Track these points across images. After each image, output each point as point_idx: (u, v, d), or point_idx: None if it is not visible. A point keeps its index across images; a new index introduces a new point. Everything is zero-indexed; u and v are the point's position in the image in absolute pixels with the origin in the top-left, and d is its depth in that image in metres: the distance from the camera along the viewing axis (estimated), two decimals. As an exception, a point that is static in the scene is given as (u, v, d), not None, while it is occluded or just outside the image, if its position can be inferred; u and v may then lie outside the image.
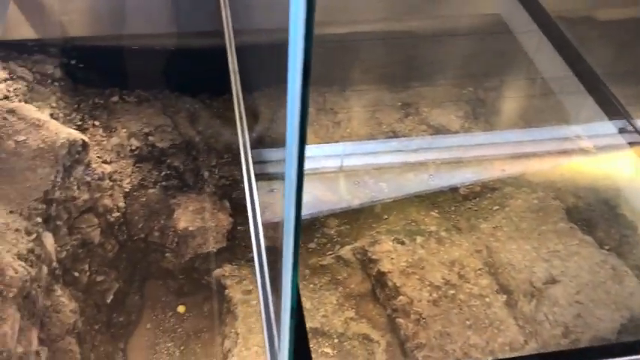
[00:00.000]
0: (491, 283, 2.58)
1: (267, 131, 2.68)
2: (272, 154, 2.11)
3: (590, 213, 2.90)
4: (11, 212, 2.18)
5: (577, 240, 2.69)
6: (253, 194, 1.46)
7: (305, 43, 0.61)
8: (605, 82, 2.25)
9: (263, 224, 1.39)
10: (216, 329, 2.69)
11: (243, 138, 1.58)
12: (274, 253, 1.35)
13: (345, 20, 2.91)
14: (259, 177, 1.53)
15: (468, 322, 2.43)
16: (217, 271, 2.77)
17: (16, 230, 2.14)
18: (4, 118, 2.34)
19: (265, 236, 1.36)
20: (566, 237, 2.71)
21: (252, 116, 1.67)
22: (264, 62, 1.89)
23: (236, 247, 2.89)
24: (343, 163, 3.17)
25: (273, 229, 1.44)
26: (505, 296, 2.53)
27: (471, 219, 2.91)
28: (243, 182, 1.52)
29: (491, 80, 3.17)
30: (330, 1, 2.79)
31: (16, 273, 2.00)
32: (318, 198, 3.11)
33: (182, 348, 2.70)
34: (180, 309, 2.82)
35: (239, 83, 1.69)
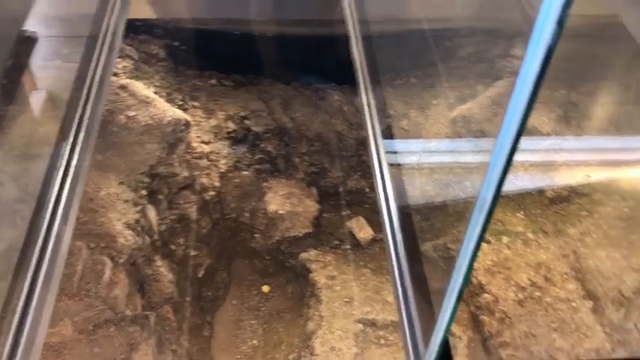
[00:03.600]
0: (578, 288, 2.55)
1: (405, 123, 2.73)
2: (411, 145, 2.12)
3: (684, 225, 2.81)
4: (121, 183, 2.30)
5: (671, 252, 2.62)
6: (386, 182, 1.49)
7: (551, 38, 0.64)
8: None
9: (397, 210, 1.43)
10: (299, 311, 2.76)
11: (373, 127, 1.62)
12: (410, 238, 1.39)
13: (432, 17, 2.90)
14: (392, 166, 1.56)
15: (553, 325, 2.41)
16: (303, 255, 2.85)
17: (125, 201, 2.26)
18: (116, 94, 2.47)
19: (400, 222, 1.40)
20: (659, 248, 2.65)
21: (382, 106, 1.69)
22: (401, 52, 1.91)
23: (321, 233, 2.95)
24: (421, 160, 3.17)
25: (406, 214, 1.47)
26: (592, 302, 2.49)
27: (557, 223, 2.87)
28: (372, 171, 1.56)
29: (599, 83, 3.11)
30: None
31: (126, 241, 2.12)
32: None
33: (265, 326, 2.78)
34: (265, 288, 2.91)
35: (367, 72, 1.73)
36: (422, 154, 2.73)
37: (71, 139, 1.58)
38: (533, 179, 3.07)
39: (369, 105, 1.66)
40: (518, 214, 2.92)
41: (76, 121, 1.63)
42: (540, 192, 3.02)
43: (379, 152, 1.55)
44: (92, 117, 1.67)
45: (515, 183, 3.05)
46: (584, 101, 3.23)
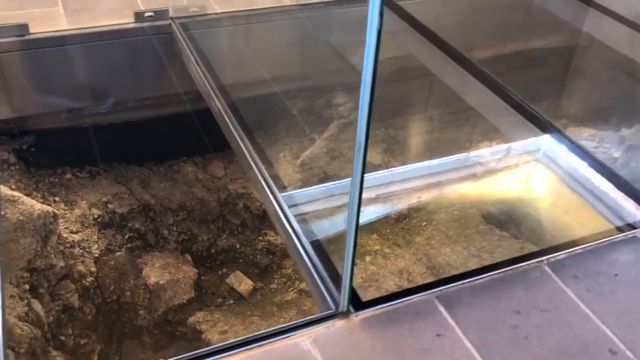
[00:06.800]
0: (437, 281, 2.97)
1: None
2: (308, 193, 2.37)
3: (502, 215, 3.41)
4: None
5: (497, 236, 3.17)
6: (297, 233, 1.73)
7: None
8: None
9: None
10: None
11: (268, 185, 1.88)
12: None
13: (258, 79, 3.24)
14: (297, 216, 1.82)
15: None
16: (191, 320, 2.95)
17: (11, 296, 2.26)
18: (-21, 199, 2.47)
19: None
20: (488, 235, 3.19)
21: (269, 163, 1.95)
22: (242, 119, 2.21)
23: (204, 295, 3.09)
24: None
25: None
26: (450, 290, 2.92)
27: (406, 236, 3.33)
28: (277, 228, 1.79)
29: (408, 118, 3.69)
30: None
31: (22, 331, 2.12)
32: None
33: (168, 398, 2.81)
34: (160, 362, 2.94)
35: (244, 136, 2.01)
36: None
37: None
38: (377, 209, 3.51)
39: (256, 165, 1.94)
40: (372, 236, 3.33)
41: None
42: (386, 216, 3.48)
43: (282, 207, 1.82)
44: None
45: (364, 215, 3.47)
46: (400, 134, 3.81)
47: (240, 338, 1.28)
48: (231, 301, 3.09)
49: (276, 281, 3.26)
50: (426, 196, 3.55)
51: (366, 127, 1.12)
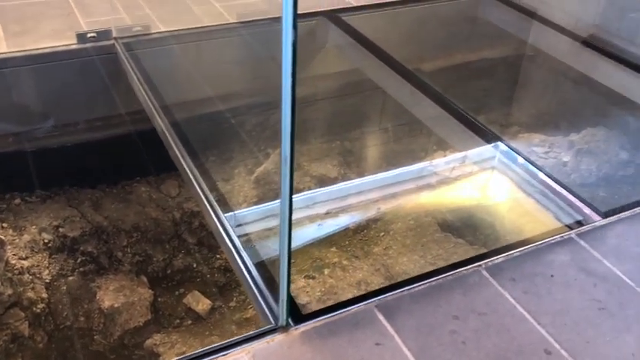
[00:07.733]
0: (395, 291, 2.98)
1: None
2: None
3: (457, 222, 3.45)
4: (-56, 312, 2.23)
5: (452, 244, 3.21)
6: (240, 251, 1.72)
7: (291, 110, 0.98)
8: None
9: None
10: (157, 395, 2.79)
11: (212, 206, 1.88)
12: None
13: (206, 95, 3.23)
14: (241, 236, 1.81)
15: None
16: (148, 342, 2.90)
17: (-47, 327, 2.19)
18: None
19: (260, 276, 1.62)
20: (444, 243, 3.22)
21: (213, 184, 1.94)
22: (194, 137, 2.20)
23: (161, 317, 3.04)
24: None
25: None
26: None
27: (364, 247, 3.34)
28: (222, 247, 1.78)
29: (363, 130, 3.72)
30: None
31: (-35, 363, 2.05)
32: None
33: None
34: (117, 388, 2.88)
35: (187, 157, 2.00)
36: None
37: None
38: (336, 221, 3.52)
39: (201, 188, 1.93)
40: (331, 249, 3.33)
41: None
42: (345, 228, 3.49)
43: (225, 227, 1.81)
44: None
45: (322, 228, 3.48)
46: (356, 147, 3.84)
47: (176, 358, 1.26)
48: (189, 322, 3.05)
49: (234, 299, 3.23)
50: (384, 207, 3.57)
51: (290, 141, 1.12)
